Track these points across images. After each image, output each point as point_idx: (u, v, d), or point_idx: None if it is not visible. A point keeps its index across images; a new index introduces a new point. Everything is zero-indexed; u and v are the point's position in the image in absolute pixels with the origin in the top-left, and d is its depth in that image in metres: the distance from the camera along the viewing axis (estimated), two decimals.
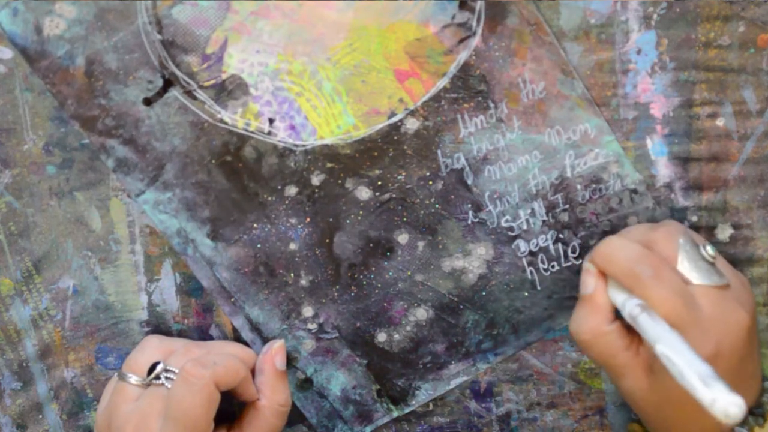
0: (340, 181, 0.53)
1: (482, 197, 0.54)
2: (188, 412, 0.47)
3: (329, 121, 0.52)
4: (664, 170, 0.53)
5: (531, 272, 0.55)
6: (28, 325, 0.55)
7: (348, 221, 0.54)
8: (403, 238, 0.54)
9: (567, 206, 0.54)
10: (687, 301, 0.45)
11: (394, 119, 0.52)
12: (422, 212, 0.54)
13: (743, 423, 0.48)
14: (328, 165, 0.53)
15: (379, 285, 0.55)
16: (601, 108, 0.52)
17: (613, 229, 0.53)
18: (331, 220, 0.54)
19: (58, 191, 0.53)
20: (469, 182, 0.53)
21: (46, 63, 0.51)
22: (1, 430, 0.56)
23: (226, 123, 0.52)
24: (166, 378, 0.49)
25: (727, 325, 0.46)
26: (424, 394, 0.56)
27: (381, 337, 0.55)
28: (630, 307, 0.45)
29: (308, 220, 0.54)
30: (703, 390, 0.38)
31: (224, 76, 0.51)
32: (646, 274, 0.45)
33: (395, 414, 0.57)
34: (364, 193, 0.53)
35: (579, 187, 0.53)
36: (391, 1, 0.51)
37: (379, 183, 0.53)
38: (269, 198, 0.53)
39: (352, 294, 0.55)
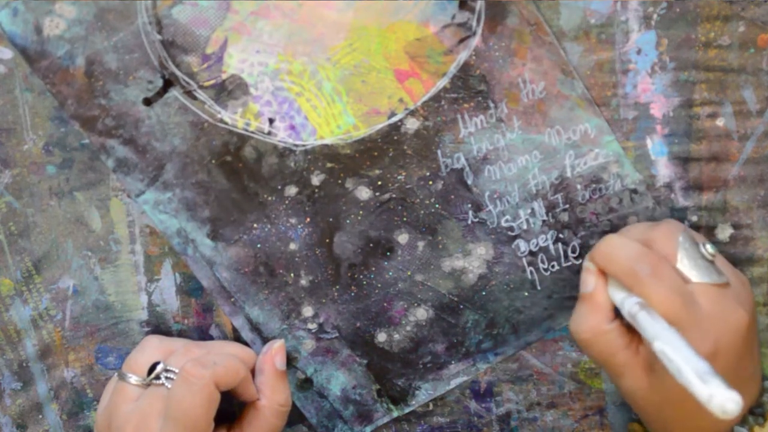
0: (340, 181, 0.53)
1: (482, 197, 0.54)
2: (188, 412, 0.47)
3: (329, 121, 0.52)
4: (664, 170, 0.53)
5: (531, 272, 0.55)
6: (28, 325, 0.55)
7: (348, 221, 0.54)
8: (403, 238, 0.54)
9: (567, 206, 0.54)
10: (686, 300, 0.45)
11: (394, 119, 0.52)
12: (422, 212, 0.54)
13: (743, 422, 0.48)
14: (328, 165, 0.53)
15: (379, 285, 0.55)
16: (601, 108, 0.52)
17: (613, 229, 0.53)
18: (331, 220, 0.54)
19: (58, 191, 0.53)
20: (469, 182, 0.53)
21: (46, 63, 0.51)
22: (1, 430, 0.56)
23: (226, 123, 0.52)
24: (166, 378, 0.49)
25: (726, 324, 0.46)
26: (424, 394, 0.56)
27: (381, 337, 0.55)
28: (629, 305, 0.45)
29: (308, 220, 0.54)
30: (700, 386, 0.38)
31: (224, 76, 0.51)
32: (645, 272, 0.45)
33: (395, 414, 0.57)
34: (364, 193, 0.53)
35: (579, 187, 0.53)
36: (391, 1, 0.51)
37: (379, 183, 0.53)
38: (269, 198, 0.53)
39: (352, 294, 0.55)
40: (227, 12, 0.51)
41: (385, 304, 0.55)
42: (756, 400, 0.50)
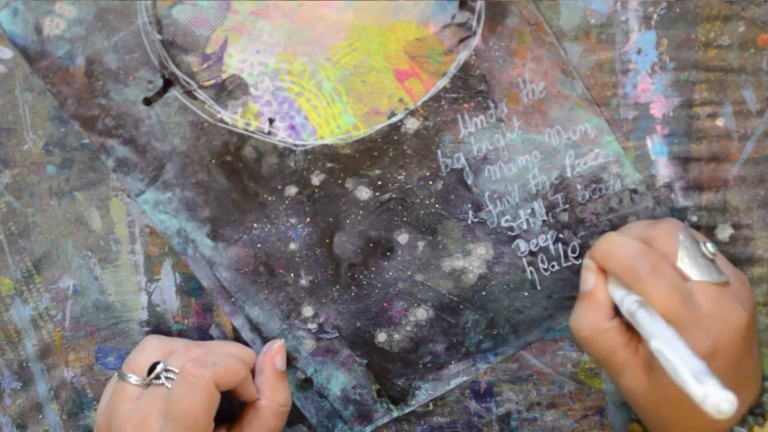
0: (340, 181, 0.53)
1: (482, 197, 0.54)
2: (188, 412, 0.47)
3: (329, 121, 0.52)
4: (664, 170, 0.53)
5: (531, 272, 0.55)
6: (28, 325, 0.55)
7: (348, 221, 0.54)
8: (403, 238, 0.54)
9: (567, 206, 0.54)
10: (685, 299, 0.45)
11: (394, 119, 0.52)
12: (422, 212, 0.54)
13: (743, 422, 0.48)
14: (328, 165, 0.53)
15: (379, 285, 0.55)
16: (601, 108, 0.52)
17: (613, 229, 0.53)
18: (331, 220, 0.54)
19: (58, 191, 0.53)
20: (469, 182, 0.53)
21: (46, 63, 0.51)
22: (1, 430, 0.56)
23: (226, 123, 0.52)
24: (166, 378, 0.49)
25: (726, 323, 0.46)
26: (424, 394, 0.56)
27: (381, 337, 0.55)
28: (628, 303, 0.45)
29: (308, 220, 0.54)
30: (695, 386, 0.38)
31: (224, 76, 0.51)
32: (645, 270, 0.45)
33: (395, 414, 0.57)
34: (364, 193, 0.53)
35: (579, 187, 0.53)
36: (391, 1, 0.51)
37: (379, 183, 0.53)
38: (269, 198, 0.53)
39: (352, 294, 0.55)
40: (227, 12, 0.51)
41: (385, 304, 0.55)
42: (756, 400, 0.50)
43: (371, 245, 0.54)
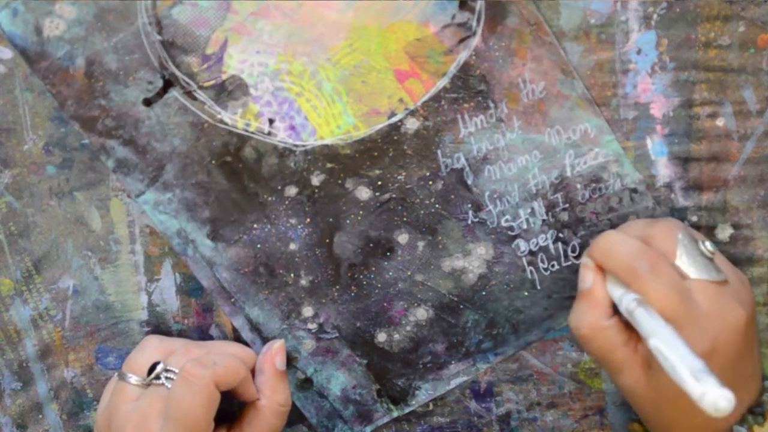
0: (340, 181, 0.53)
1: (482, 197, 0.54)
2: (188, 412, 0.47)
3: (329, 121, 0.52)
4: (664, 170, 0.53)
5: (531, 272, 0.55)
6: (28, 325, 0.55)
7: (348, 221, 0.54)
8: (403, 238, 0.54)
9: (567, 205, 0.54)
10: (684, 297, 0.45)
11: (394, 119, 0.52)
12: (422, 212, 0.54)
13: (743, 421, 0.49)
14: (328, 165, 0.53)
15: (379, 285, 0.55)
16: (601, 108, 0.52)
17: (613, 228, 0.53)
18: (331, 220, 0.54)
19: (58, 191, 0.53)
20: (469, 182, 0.53)
21: (46, 64, 0.51)
22: (1, 430, 0.56)
23: (226, 123, 0.52)
24: (166, 378, 0.49)
25: (725, 322, 0.46)
26: (424, 394, 0.56)
27: (381, 337, 0.55)
28: (627, 301, 0.45)
29: (308, 220, 0.54)
30: (693, 383, 0.38)
31: (224, 77, 0.51)
32: (644, 269, 0.45)
33: (395, 414, 0.57)
34: (364, 193, 0.53)
35: (579, 186, 0.53)
36: (391, 1, 0.51)
37: (379, 183, 0.53)
38: (269, 198, 0.53)
39: (352, 294, 0.55)
40: (227, 12, 0.51)
41: (385, 304, 0.55)
42: (755, 400, 0.50)
43: (371, 245, 0.54)
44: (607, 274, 0.48)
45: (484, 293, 0.55)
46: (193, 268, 0.54)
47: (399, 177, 0.53)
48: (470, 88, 0.52)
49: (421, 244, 0.54)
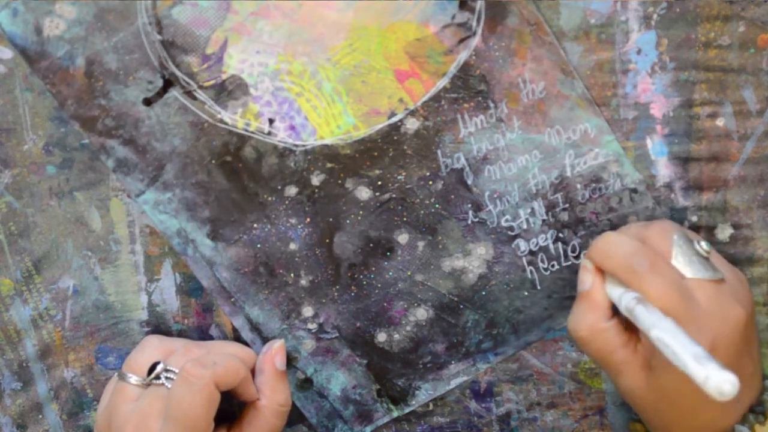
0: (340, 181, 0.53)
1: (482, 197, 0.54)
2: (188, 412, 0.47)
3: (329, 121, 0.52)
4: (664, 170, 0.53)
5: (531, 272, 0.55)
6: (28, 325, 0.55)
7: (348, 221, 0.54)
8: (403, 238, 0.54)
9: (567, 205, 0.54)
10: (683, 295, 0.45)
11: (394, 119, 0.52)
12: (422, 212, 0.54)
13: (744, 421, 0.49)
14: (328, 165, 0.53)
15: (379, 285, 0.55)
16: (601, 108, 0.52)
17: (613, 229, 0.53)
18: (331, 220, 0.54)
19: (58, 191, 0.53)
20: (469, 182, 0.53)
21: (46, 63, 0.51)
22: (1, 430, 0.56)
23: (226, 123, 0.52)
24: (166, 378, 0.49)
25: (724, 320, 0.46)
26: (424, 394, 0.56)
27: (381, 337, 0.55)
28: (626, 300, 0.45)
29: (308, 220, 0.54)
30: (696, 367, 0.38)
31: (224, 77, 0.51)
32: (643, 267, 0.45)
33: (395, 414, 0.57)
34: (364, 193, 0.53)
35: (579, 186, 0.53)
36: (391, 1, 0.51)
37: (379, 183, 0.53)
38: (269, 198, 0.53)
39: (352, 294, 0.55)
40: (227, 12, 0.51)
41: (385, 304, 0.55)
42: (756, 399, 0.50)
43: (371, 245, 0.54)
44: (606, 275, 0.48)
45: (484, 293, 0.55)
46: (193, 268, 0.54)
47: (399, 177, 0.53)
48: (470, 88, 0.52)
49: (421, 244, 0.54)
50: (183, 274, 0.55)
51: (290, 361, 0.55)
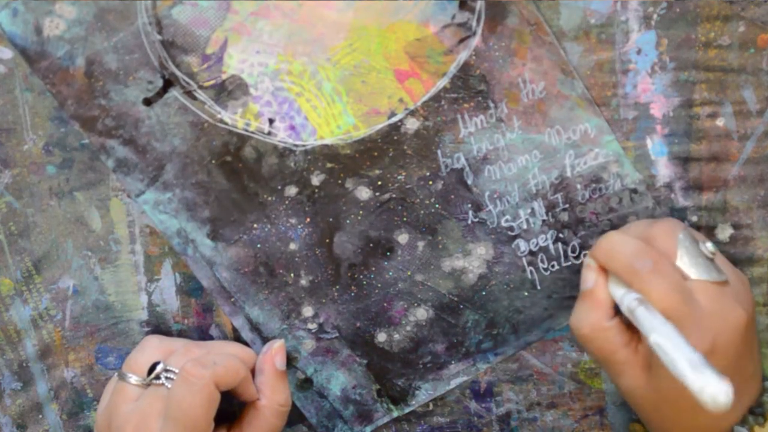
0: (340, 181, 0.53)
1: (482, 197, 0.54)
2: (188, 412, 0.47)
3: (329, 121, 0.52)
4: (664, 170, 0.53)
5: (531, 272, 0.55)
6: (28, 325, 0.55)
7: (348, 221, 0.54)
8: (403, 238, 0.54)
9: (567, 206, 0.54)
10: (685, 297, 0.45)
11: (394, 119, 0.52)
12: (422, 212, 0.54)
13: (743, 422, 0.49)
14: (328, 165, 0.53)
15: (379, 285, 0.55)
16: (601, 108, 0.52)
17: (613, 229, 0.53)
18: (331, 220, 0.54)
19: (58, 191, 0.53)
20: (469, 182, 0.53)
21: (46, 63, 0.51)
22: (1, 430, 0.56)
23: (226, 123, 0.52)
24: (166, 378, 0.49)
25: (725, 322, 0.46)
26: (424, 394, 0.56)
27: (381, 337, 0.55)
28: (628, 300, 0.45)
29: (308, 220, 0.54)
30: (692, 376, 0.38)
31: (224, 77, 0.51)
32: (646, 268, 0.46)
33: (395, 414, 0.57)
34: (364, 193, 0.53)
35: (579, 186, 0.53)
36: (391, 1, 0.51)
37: (379, 183, 0.53)
38: (269, 198, 0.53)
39: (352, 294, 0.55)
40: (227, 12, 0.51)
41: (385, 304, 0.55)
42: (756, 400, 0.50)
43: (371, 245, 0.54)
44: (609, 274, 0.48)
45: (484, 293, 0.55)
46: (193, 268, 0.54)
47: (399, 177, 0.53)
48: (470, 88, 0.52)
49: (421, 244, 0.54)
50: (183, 274, 0.55)
51: (290, 361, 0.55)
